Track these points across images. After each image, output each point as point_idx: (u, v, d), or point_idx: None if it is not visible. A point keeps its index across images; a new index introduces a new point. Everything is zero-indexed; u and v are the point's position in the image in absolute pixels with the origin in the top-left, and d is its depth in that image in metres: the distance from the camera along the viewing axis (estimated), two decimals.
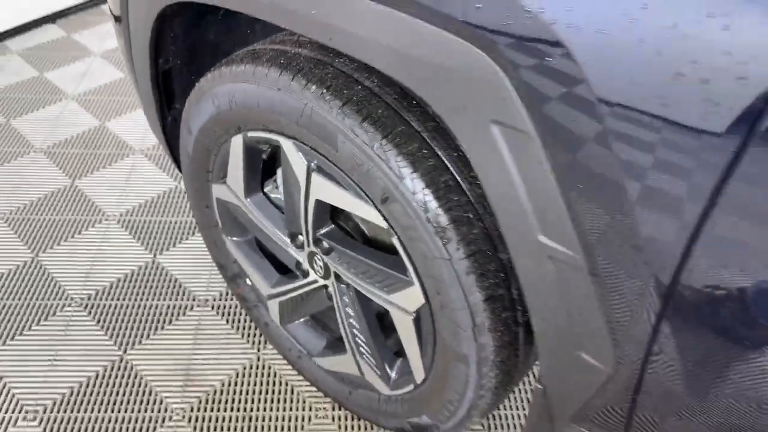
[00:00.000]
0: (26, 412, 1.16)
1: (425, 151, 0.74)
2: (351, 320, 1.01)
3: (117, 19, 1.07)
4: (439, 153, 0.74)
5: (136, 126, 1.88)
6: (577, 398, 0.73)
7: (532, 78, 0.54)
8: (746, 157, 0.46)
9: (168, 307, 1.36)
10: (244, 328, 1.33)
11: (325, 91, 0.77)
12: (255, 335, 1.31)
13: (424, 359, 0.91)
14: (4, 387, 1.19)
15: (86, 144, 1.81)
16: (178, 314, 1.35)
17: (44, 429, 1.13)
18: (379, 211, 0.79)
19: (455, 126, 0.63)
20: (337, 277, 0.98)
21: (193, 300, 1.38)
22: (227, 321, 1.34)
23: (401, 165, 0.74)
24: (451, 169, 0.74)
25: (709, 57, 0.45)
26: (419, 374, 0.94)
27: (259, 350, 1.29)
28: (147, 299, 1.37)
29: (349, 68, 0.78)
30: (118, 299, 1.37)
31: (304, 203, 0.91)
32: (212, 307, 1.37)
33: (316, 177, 0.86)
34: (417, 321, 0.88)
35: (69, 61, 2.18)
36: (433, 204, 0.73)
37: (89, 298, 1.36)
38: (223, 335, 1.31)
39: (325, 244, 0.96)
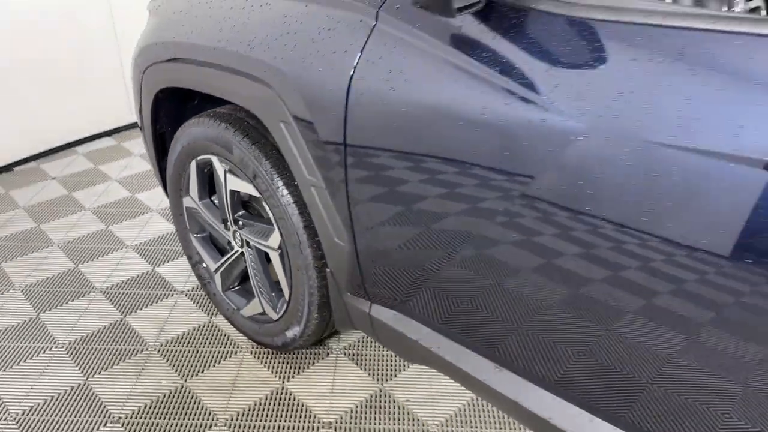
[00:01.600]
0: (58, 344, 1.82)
1: (273, 150, 1.46)
2: (255, 271, 1.67)
3: (141, 128, 1.88)
4: (279, 150, 1.46)
5: (155, 194, 2.68)
6: (343, 272, 1.37)
7: (287, 97, 1.26)
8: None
9: (156, 294, 2.04)
10: (203, 306, 1.98)
11: (228, 125, 1.51)
12: (210, 310, 1.96)
13: (287, 279, 1.56)
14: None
15: (122, 206, 2.60)
16: (163, 298, 2.02)
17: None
18: (253, 185, 1.50)
19: (270, 127, 1.35)
20: (247, 243, 1.67)
21: (174, 290, 2.06)
22: (194, 302, 2.00)
23: (260, 156, 1.46)
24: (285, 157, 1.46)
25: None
26: (287, 291, 1.58)
27: (211, 318, 1.94)
28: (142, 290, 2.06)
29: (241, 114, 1.53)
30: (132, 288, 2.06)
31: (225, 195, 1.63)
32: (186, 295, 2.04)
33: (229, 176, 1.59)
34: (281, 255, 1.54)
35: (117, 159, 3.06)
36: (276, 176, 1.44)
37: (109, 288, 2.06)
38: (189, 310, 1.97)
39: (240, 222, 1.66)
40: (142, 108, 1.80)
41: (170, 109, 1.80)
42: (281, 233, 1.50)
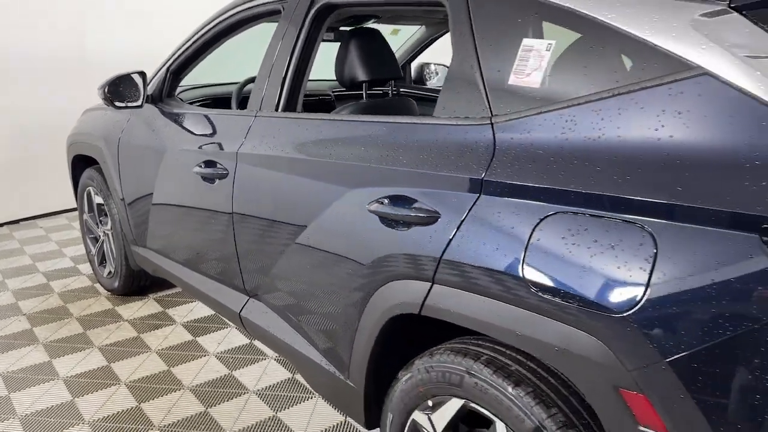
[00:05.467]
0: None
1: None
2: (110, 245, 3.20)
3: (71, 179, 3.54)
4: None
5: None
6: (129, 232, 2.87)
7: (105, 150, 2.86)
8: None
9: (69, 275, 3.56)
10: (91, 280, 3.48)
11: (95, 170, 3.13)
12: (94, 280, 3.46)
13: (116, 246, 3.07)
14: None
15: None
16: (75, 276, 3.54)
17: None
18: (101, 197, 3.07)
19: (102, 167, 2.95)
20: (105, 233, 3.21)
21: (85, 276, 3.58)
22: (87, 279, 3.51)
23: (103, 182, 3.04)
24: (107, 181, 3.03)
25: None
26: (115, 253, 3.09)
27: (94, 284, 3.43)
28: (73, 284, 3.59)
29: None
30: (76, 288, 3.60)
31: (95, 207, 3.21)
32: (87, 277, 3.55)
33: (96, 196, 3.17)
34: (113, 234, 3.07)
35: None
36: (108, 191, 3.02)
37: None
38: (86, 281, 3.47)
39: (103, 221, 3.21)
40: (68, 168, 3.46)
41: (81, 168, 3.44)
42: (111, 220, 3.04)
